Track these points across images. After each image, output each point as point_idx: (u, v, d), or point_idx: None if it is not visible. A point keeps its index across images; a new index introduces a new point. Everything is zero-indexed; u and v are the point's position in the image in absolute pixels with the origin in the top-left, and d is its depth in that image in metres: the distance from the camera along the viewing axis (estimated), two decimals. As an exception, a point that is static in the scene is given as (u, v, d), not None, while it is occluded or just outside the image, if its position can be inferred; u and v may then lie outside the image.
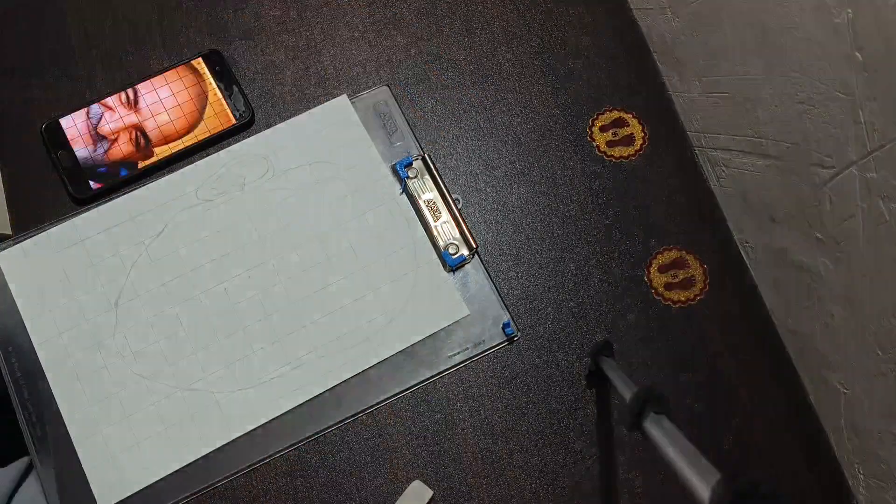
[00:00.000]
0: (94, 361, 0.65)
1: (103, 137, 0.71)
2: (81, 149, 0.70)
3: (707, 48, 0.73)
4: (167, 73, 0.73)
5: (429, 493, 0.62)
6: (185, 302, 0.67)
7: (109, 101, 0.72)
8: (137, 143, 0.71)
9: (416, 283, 0.68)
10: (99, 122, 0.71)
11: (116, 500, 0.61)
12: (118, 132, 0.71)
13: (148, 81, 0.73)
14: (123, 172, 0.70)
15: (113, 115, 0.72)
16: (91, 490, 0.62)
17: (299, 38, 0.76)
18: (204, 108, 0.72)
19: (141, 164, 0.70)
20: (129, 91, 0.72)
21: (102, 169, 0.70)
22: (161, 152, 0.71)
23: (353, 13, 0.77)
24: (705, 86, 0.75)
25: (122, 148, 0.71)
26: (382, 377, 0.66)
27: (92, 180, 0.70)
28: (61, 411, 0.63)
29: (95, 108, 0.72)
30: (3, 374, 0.65)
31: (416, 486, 0.62)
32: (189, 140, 0.71)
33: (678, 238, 0.71)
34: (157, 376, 0.65)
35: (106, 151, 0.70)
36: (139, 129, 0.71)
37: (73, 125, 0.71)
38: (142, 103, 0.72)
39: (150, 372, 0.65)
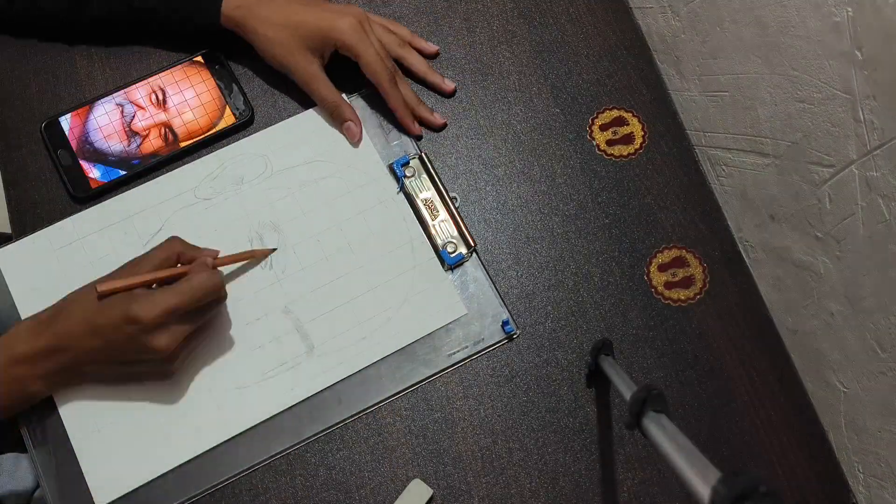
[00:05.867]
0: None
1: (136, 133, 0.71)
2: (116, 143, 0.71)
3: (706, 47, 0.73)
4: (166, 72, 0.73)
5: (428, 492, 0.62)
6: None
7: (140, 99, 0.72)
8: (166, 139, 0.71)
9: (414, 282, 0.68)
10: (132, 119, 0.72)
11: (113, 498, 0.61)
12: (149, 129, 0.71)
13: (163, 75, 0.73)
14: (152, 159, 0.71)
15: (144, 113, 0.72)
16: (87, 487, 0.61)
17: (299, 37, 0.76)
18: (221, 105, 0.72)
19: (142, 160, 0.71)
20: (158, 91, 0.73)
21: (136, 161, 0.71)
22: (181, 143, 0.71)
23: (352, 12, 0.77)
24: (705, 84, 0.75)
25: (153, 143, 0.71)
26: (382, 376, 0.66)
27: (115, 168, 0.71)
28: (59, 409, 0.63)
29: (129, 106, 0.72)
30: None
31: (416, 484, 0.62)
32: (190, 138, 0.71)
33: (678, 237, 0.71)
34: None
35: (139, 146, 0.71)
36: (168, 126, 0.72)
37: (109, 122, 0.72)
38: (169, 102, 0.72)
39: None
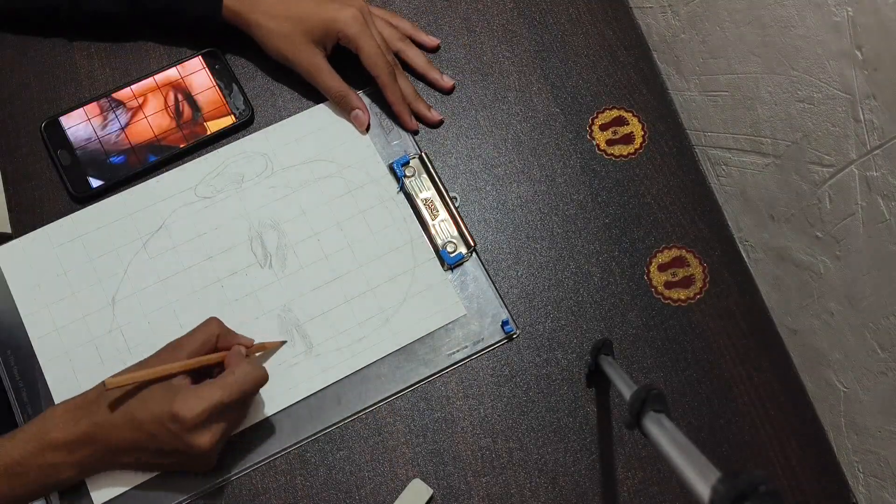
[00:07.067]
0: (91, 358, 0.65)
1: (136, 132, 0.71)
2: (116, 142, 0.71)
3: (706, 46, 0.73)
4: (166, 71, 0.73)
5: (428, 491, 0.62)
6: (182, 299, 0.67)
7: (140, 98, 0.72)
8: (167, 137, 0.71)
9: (414, 282, 0.68)
10: (132, 118, 0.72)
11: (112, 497, 0.61)
12: (150, 128, 0.71)
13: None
14: (152, 158, 0.71)
15: (144, 112, 0.72)
16: (86, 486, 0.61)
17: (299, 37, 0.76)
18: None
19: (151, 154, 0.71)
20: (158, 90, 0.73)
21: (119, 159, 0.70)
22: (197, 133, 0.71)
23: (352, 11, 0.77)
24: (705, 84, 0.75)
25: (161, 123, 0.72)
26: (382, 376, 0.66)
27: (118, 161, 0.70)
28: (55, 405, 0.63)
29: (129, 106, 0.72)
30: (3, 379, 0.64)
31: (416, 484, 0.62)
32: (190, 138, 0.71)
33: (678, 236, 0.71)
34: None
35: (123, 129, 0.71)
36: (168, 125, 0.72)
37: (109, 121, 0.71)
38: (169, 102, 0.72)
39: None
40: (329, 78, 0.70)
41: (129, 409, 0.56)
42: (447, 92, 0.74)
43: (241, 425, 0.63)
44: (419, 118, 0.73)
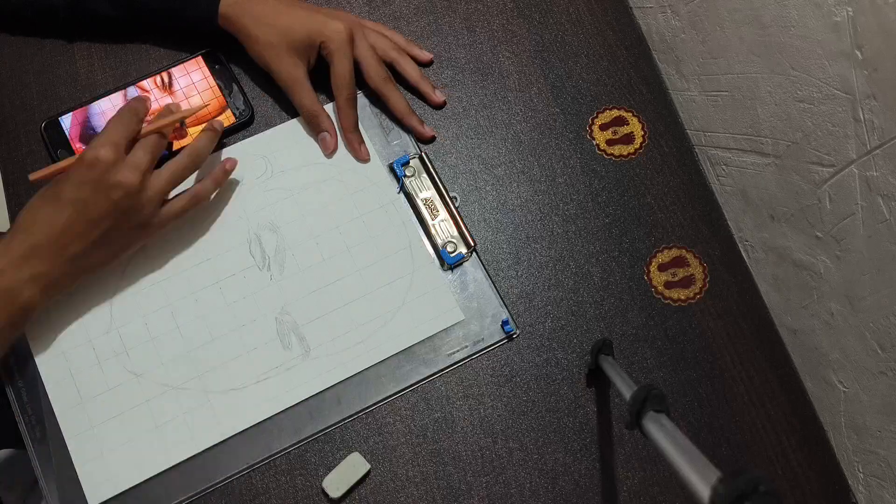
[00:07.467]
0: (88, 359, 0.65)
1: None
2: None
3: (706, 46, 0.73)
4: (166, 71, 0.73)
5: (365, 465, 0.62)
6: (181, 300, 0.67)
7: (145, 83, 0.73)
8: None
9: (413, 284, 0.68)
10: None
11: (106, 497, 0.61)
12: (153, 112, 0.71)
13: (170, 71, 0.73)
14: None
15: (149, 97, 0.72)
16: (82, 489, 0.61)
17: (298, 37, 0.76)
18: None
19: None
20: (164, 75, 0.73)
21: None
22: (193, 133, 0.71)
23: (352, 11, 0.77)
24: (705, 84, 0.75)
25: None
26: (382, 376, 0.66)
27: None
28: (53, 409, 0.63)
29: (132, 90, 0.72)
30: (3, 381, 0.65)
31: (354, 458, 0.62)
32: (189, 138, 0.71)
33: (678, 236, 0.71)
34: (149, 374, 0.64)
35: None
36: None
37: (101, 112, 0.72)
38: (175, 86, 0.73)
39: (143, 370, 0.65)
40: (305, 94, 0.70)
41: (47, 195, 0.59)
42: (438, 107, 0.74)
43: (185, 175, 0.65)
44: (411, 133, 0.73)
